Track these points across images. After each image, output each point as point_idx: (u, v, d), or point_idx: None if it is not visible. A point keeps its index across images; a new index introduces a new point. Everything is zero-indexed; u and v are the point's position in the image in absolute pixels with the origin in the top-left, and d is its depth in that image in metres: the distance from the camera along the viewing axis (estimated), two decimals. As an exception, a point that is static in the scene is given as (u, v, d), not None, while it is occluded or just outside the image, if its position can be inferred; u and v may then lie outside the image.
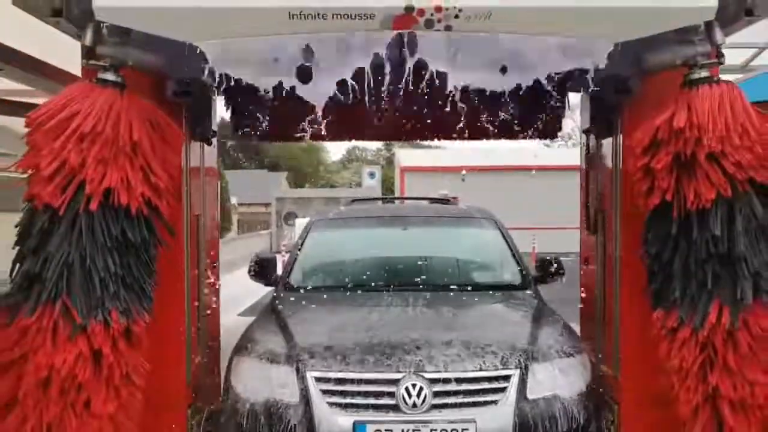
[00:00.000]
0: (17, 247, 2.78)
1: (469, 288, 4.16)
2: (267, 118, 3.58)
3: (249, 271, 4.57)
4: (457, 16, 2.66)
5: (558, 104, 3.93)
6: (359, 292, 4.10)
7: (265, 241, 26.65)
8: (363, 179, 27.68)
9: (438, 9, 2.63)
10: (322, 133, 3.77)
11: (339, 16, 2.65)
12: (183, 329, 3.33)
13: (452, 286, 4.15)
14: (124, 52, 2.83)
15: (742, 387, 2.71)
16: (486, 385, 3.19)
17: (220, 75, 2.76)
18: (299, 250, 4.62)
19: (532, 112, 4.01)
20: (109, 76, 2.80)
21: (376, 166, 28.10)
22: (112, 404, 2.75)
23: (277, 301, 4.13)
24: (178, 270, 3.29)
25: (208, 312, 3.80)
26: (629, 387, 3.30)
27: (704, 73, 2.84)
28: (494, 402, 3.15)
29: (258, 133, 3.95)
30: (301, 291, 4.23)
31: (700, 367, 2.80)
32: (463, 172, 23.45)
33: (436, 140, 4.53)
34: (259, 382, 3.29)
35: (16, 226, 2.80)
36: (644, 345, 3.11)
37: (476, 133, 4.12)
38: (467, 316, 3.70)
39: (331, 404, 3.15)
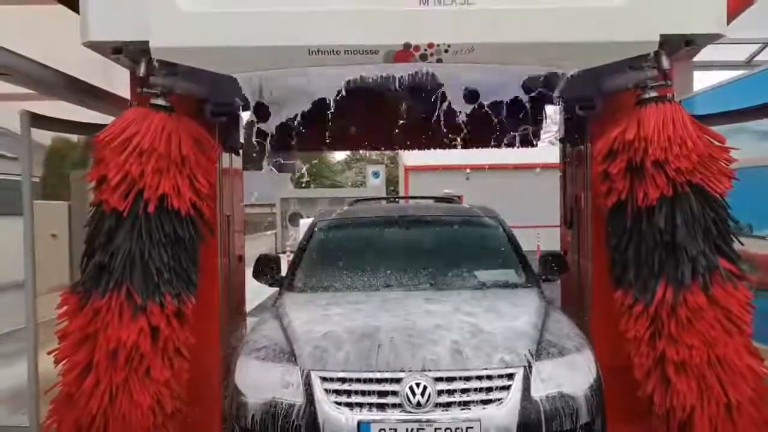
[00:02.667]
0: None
1: (473, 287, 4.22)
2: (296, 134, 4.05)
3: (253, 272, 4.59)
4: (446, 51, 3.32)
5: (537, 117, 4.57)
6: (363, 291, 4.18)
7: (270, 242, 27.30)
8: (367, 179, 28.19)
9: (430, 45, 3.29)
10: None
11: (349, 52, 3.31)
12: (218, 312, 3.99)
13: (456, 285, 4.22)
14: (172, 82, 3.51)
15: (683, 351, 3.35)
16: (490, 384, 3.22)
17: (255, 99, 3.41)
18: (303, 250, 4.68)
19: (515, 123, 4.64)
20: (160, 102, 3.47)
21: (380, 165, 28.63)
22: (167, 372, 3.41)
23: (281, 301, 4.17)
24: (213, 262, 3.96)
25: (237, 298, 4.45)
26: (599, 355, 3.92)
27: (653, 94, 3.48)
28: (499, 400, 3.19)
29: (289, 146, 4.47)
30: (305, 291, 4.29)
31: (650, 336, 3.45)
32: (467, 170, 23.97)
33: (435, 149, 5.09)
34: (263, 382, 3.37)
35: (86, 227, 3.48)
36: (610, 320, 3.75)
37: (469, 141, 4.76)
38: (471, 315, 3.66)
39: (335, 404, 3.20)
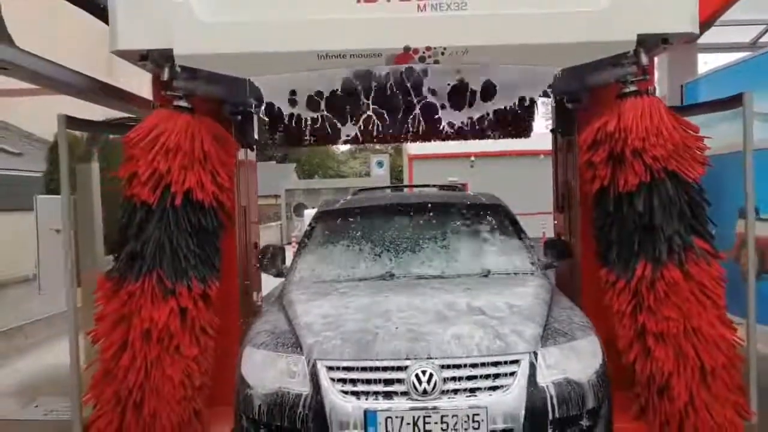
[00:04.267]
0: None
1: (478, 274, 4.25)
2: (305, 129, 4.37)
3: (258, 263, 4.66)
4: (442, 53, 3.67)
5: (529, 111, 4.92)
6: (368, 280, 4.21)
7: (276, 233, 27.75)
8: (371, 169, 28.45)
9: (428, 48, 3.65)
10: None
11: (355, 56, 3.67)
12: (237, 294, 4.38)
13: (461, 273, 4.24)
14: (194, 85, 3.88)
15: (661, 323, 3.71)
16: (496, 370, 3.25)
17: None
18: (307, 240, 4.72)
19: (510, 117, 4.99)
20: (183, 104, 3.85)
21: (384, 155, 28.91)
22: (195, 348, 3.80)
23: (286, 292, 4.20)
24: (233, 248, 4.35)
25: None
26: None
27: (633, 88, 3.84)
28: (505, 386, 3.22)
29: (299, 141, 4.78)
30: (310, 281, 4.32)
31: (632, 310, 3.82)
32: (472, 158, 24.20)
33: (438, 141, 5.39)
34: (269, 372, 3.43)
35: (120, 219, 3.86)
36: (598, 295, 4.11)
37: (467, 134, 5.12)
38: (476, 302, 3.71)
39: (341, 392, 3.24)
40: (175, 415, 3.74)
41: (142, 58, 3.81)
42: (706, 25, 7.38)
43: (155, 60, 3.80)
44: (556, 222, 5.09)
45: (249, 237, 4.75)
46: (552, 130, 4.86)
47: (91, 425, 3.80)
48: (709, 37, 7.87)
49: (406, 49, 3.64)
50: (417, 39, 3.63)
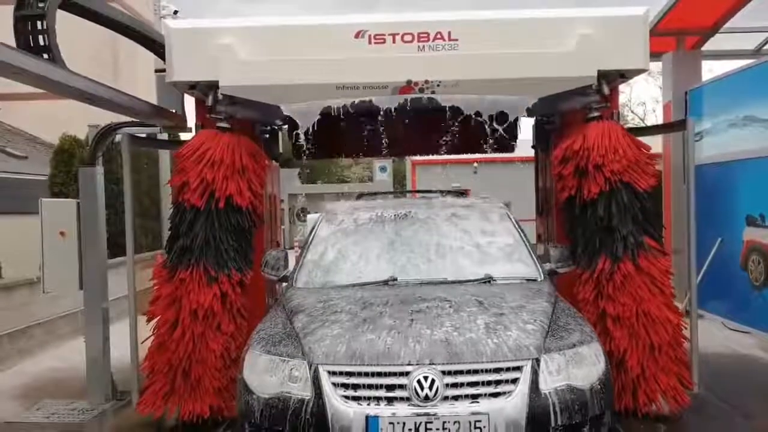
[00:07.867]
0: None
1: (482, 279, 4.32)
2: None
3: (261, 267, 4.77)
4: (438, 85, 4.61)
5: (513, 130, 5.83)
6: (369, 285, 4.28)
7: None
8: (374, 174, 29.27)
9: (426, 82, 4.58)
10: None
11: (366, 87, 4.60)
12: (264, 285, 5.29)
13: (464, 278, 4.31)
14: (234, 110, 4.82)
15: (618, 307, 4.62)
16: (498, 377, 3.27)
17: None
18: (308, 245, 4.80)
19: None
20: (224, 125, 4.78)
21: (387, 160, 29.71)
22: (233, 326, 4.73)
23: (288, 296, 4.28)
24: (261, 245, 5.27)
25: None
26: None
27: (596, 113, 4.76)
28: (507, 393, 3.24)
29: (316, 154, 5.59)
30: (312, 286, 4.42)
31: (594, 298, 4.73)
32: (475, 164, 25.03)
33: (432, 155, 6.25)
34: (272, 376, 3.46)
35: (172, 219, 4.78)
36: (570, 286, 5.01)
37: (459, 149, 6.01)
38: (479, 308, 3.74)
39: (343, 398, 3.26)
40: (216, 381, 4.67)
41: (191, 87, 4.76)
42: (711, 32, 8.16)
43: (202, 89, 4.75)
44: (538, 224, 6.00)
45: (274, 235, 5.67)
46: (533, 146, 5.79)
47: (146, 389, 4.72)
48: (714, 44, 8.49)
49: (408, 82, 4.57)
50: (417, 74, 4.56)
